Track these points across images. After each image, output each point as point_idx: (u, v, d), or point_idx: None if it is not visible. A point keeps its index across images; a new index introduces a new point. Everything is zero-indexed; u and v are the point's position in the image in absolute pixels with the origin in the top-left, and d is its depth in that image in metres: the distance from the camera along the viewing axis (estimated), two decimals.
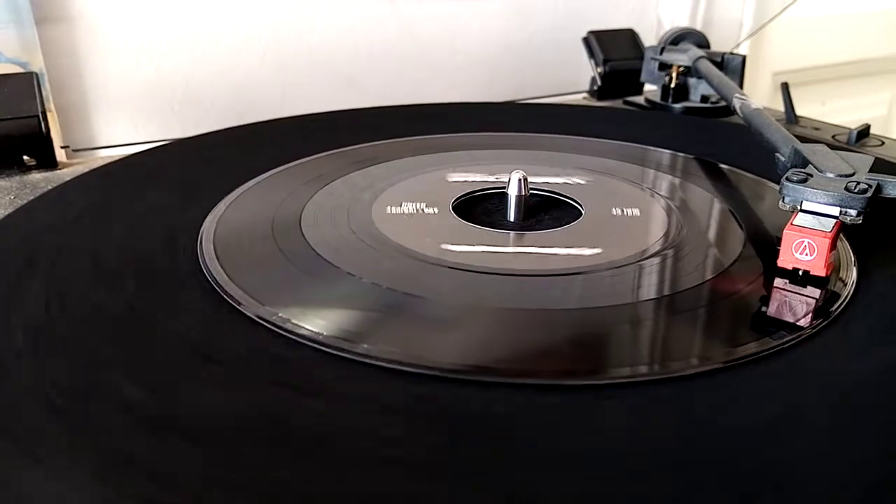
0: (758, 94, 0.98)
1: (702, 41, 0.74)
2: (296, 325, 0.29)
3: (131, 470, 0.22)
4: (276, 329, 0.29)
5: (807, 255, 0.33)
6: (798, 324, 0.30)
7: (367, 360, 0.27)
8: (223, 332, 0.29)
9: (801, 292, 0.33)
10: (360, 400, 0.25)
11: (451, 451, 0.23)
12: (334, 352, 0.28)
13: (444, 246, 0.37)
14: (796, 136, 0.41)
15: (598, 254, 0.36)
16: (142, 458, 0.22)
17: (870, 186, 0.33)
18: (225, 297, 0.31)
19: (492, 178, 0.45)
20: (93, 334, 0.29)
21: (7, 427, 0.23)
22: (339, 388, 0.26)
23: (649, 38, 0.80)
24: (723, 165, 0.50)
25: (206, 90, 0.67)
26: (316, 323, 0.29)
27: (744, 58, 0.67)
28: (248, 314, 0.30)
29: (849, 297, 0.32)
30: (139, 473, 0.21)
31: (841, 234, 0.36)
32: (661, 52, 0.70)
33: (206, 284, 0.33)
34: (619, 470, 0.22)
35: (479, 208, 0.43)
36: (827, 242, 0.32)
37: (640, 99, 0.73)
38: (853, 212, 0.33)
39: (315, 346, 0.28)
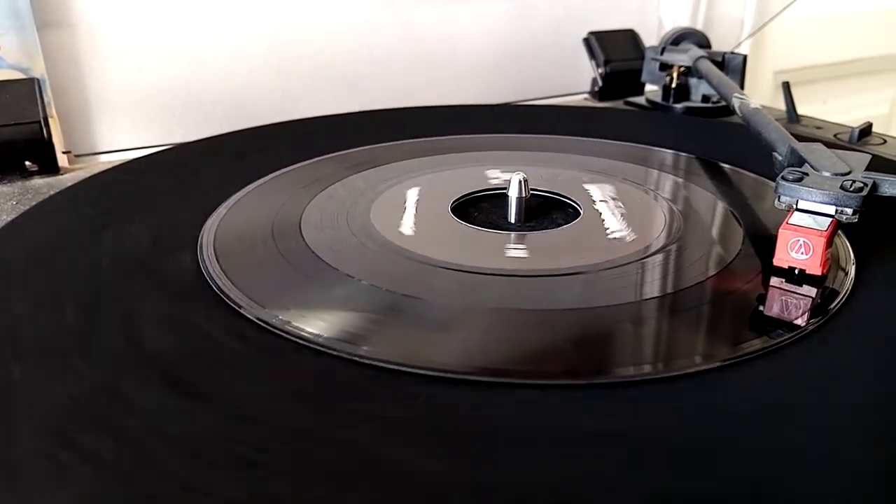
0: (759, 94, 0.98)
1: (703, 41, 0.74)
2: (296, 327, 0.29)
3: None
4: (277, 332, 0.29)
5: (802, 253, 0.33)
6: (795, 322, 0.30)
7: (368, 362, 0.27)
8: (224, 335, 0.29)
9: (798, 291, 0.33)
10: (360, 401, 0.26)
11: (453, 452, 0.23)
12: (334, 353, 0.28)
13: (443, 247, 0.37)
14: (798, 135, 0.41)
15: (598, 253, 0.36)
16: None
17: (865, 185, 0.33)
18: (226, 300, 0.32)
19: (492, 180, 0.45)
20: (93, 339, 0.29)
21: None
22: (339, 390, 0.26)
23: (650, 39, 0.80)
24: (723, 165, 0.50)
25: (208, 94, 0.68)
26: (316, 325, 0.30)
27: (745, 57, 0.67)
28: (249, 317, 0.30)
29: (847, 294, 0.32)
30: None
31: (840, 232, 0.37)
32: (661, 53, 0.70)
33: (206, 288, 0.33)
34: (621, 469, 0.23)
35: (479, 210, 0.43)
36: (822, 241, 0.33)
37: (641, 99, 0.73)
38: (849, 210, 0.33)
39: (315, 347, 0.28)
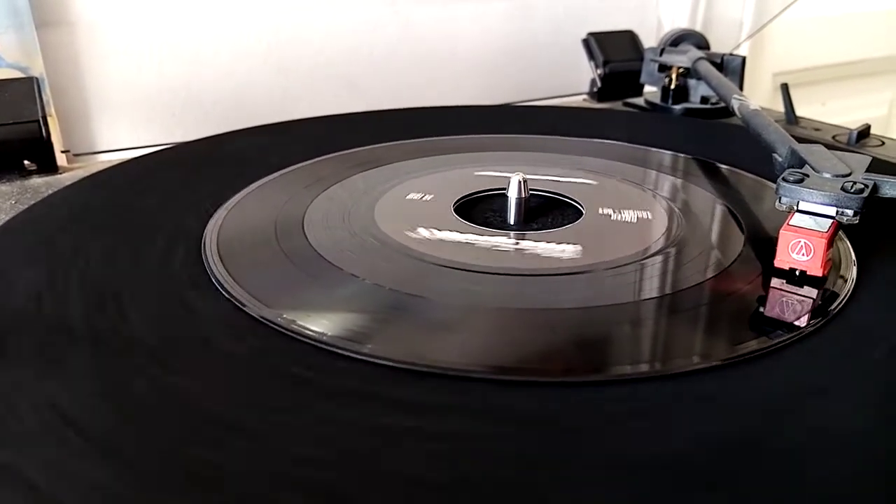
0: (758, 95, 0.98)
1: (702, 42, 0.75)
2: (301, 326, 0.29)
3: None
4: (281, 330, 0.29)
5: (803, 255, 0.33)
6: (795, 323, 0.30)
7: (371, 360, 0.27)
8: (228, 333, 0.30)
9: (799, 292, 0.33)
10: (364, 399, 0.26)
11: (454, 450, 0.23)
12: (338, 351, 0.28)
13: (446, 247, 0.37)
14: (796, 137, 0.41)
15: (598, 253, 0.37)
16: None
17: (866, 186, 0.33)
18: (230, 298, 0.32)
19: (493, 180, 0.46)
20: (95, 339, 0.29)
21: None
22: (342, 388, 0.26)
23: (649, 40, 0.80)
24: (722, 166, 0.51)
25: (208, 94, 0.68)
26: (320, 324, 0.30)
27: (743, 59, 0.67)
28: (254, 315, 0.30)
29: (847, 296, 0.32)
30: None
31: (841, 234, 0.37)
32: (660, 54, 0.71)
33: (210, 287, 0.33)
34: (620, 468, 0.23)
35: (481, 209, 0.43)
36: (823, 242, 0.33)
37: (640, 100, 0.73)
38: (850, 212, 0.33)
39: (319, 346, 0.28)
